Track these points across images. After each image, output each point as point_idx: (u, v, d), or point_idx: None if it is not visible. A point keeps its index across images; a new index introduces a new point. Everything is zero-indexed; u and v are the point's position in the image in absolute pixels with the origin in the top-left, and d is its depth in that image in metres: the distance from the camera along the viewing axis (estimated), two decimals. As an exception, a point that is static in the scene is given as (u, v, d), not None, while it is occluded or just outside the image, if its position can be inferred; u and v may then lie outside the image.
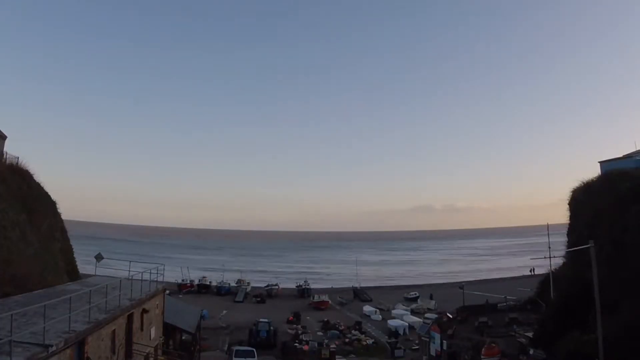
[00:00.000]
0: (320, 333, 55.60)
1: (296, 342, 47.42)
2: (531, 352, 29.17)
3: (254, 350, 39.70)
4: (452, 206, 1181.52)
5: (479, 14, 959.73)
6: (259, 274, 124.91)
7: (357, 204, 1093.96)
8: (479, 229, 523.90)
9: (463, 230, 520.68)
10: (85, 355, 14.56)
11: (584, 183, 36.36)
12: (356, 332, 54.78)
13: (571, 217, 37.55)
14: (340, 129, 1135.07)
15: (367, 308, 70.85)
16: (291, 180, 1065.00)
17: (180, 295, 75.61)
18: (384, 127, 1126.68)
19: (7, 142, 33.75)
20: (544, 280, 41.81)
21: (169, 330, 30.49)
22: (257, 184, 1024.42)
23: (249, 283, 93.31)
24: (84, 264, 38.33)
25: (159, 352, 26.89)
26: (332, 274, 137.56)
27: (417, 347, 45.92)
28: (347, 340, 51.38)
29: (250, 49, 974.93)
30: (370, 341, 51.60)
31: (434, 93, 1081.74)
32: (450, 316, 42.77)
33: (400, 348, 46.22)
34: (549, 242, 40.42)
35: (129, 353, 20.26)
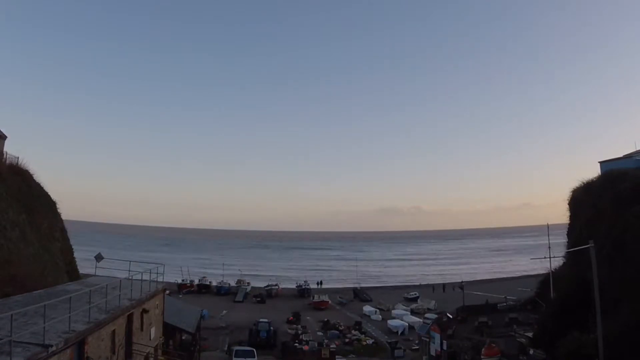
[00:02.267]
0: (320, 333, 55.59)
1: (296, 342, 47.41)
2: (531, 352, 29.18)
3: (254, 350, 39.70)
4: (418, 208, 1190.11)
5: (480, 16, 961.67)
6: (259, 273, 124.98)
7: (323, 205, 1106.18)
8: (442, 231, 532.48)
9: (430, 232, 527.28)
10: (85, 355, 14.56)
11: (584, 183, 36.38)
12: (356, 332, 54.79)
13: (571, 217, 37.58)
14: (309, 132, 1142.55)
15: (367, 308, 70.87)
16: (259, 181, 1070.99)
17: (180, 295, 75.63)
18: (354, 131, 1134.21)
19: (7, 142, 33.78)
20: (544, 280, 41.84)
21: (169, 330, 30.47)
22: (229, 185, 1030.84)
23: (249, 283, 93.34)
24: (84, 264, 38.32)
25: (159, 352, 26.89)
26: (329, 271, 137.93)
27: (417, 347, 45.95)
28: (347, 340, 51.40)
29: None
30: (370, 341, 51.60)
31: (411, 96, 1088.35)
32: (450, 316, 42.80)
33: (400, 348, 46.22)
34: (549, 242, 40.46)
35: (128, 353, 20.25)
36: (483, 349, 30.59)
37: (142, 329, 22.49)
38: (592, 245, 23.30)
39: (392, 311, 69.08)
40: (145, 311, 22.79)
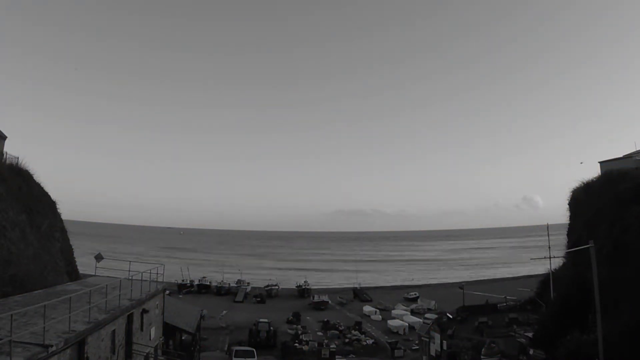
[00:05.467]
0: (320, 333, 55.56)
1: (296, 342, 47.40)
2: (531, 352, 29.14)
3: (254, 350, 39.67)
4: (381, 211, 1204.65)
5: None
6: (259, 273, 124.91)
7: (290, 205, 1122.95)
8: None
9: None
10: (85, 355, 14.55)
11: (584, 183, 36.32)
12: (356, 332, 54.75)
13: (571, 217, 37.52)
14: (279, 135, 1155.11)
15: (367, 308, 70.84)
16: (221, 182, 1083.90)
17: (180, 295, 75.61)
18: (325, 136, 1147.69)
19: (7, 142, 33.76)
20: (544, 280, 41.81)
21: (169, 330, 30.47)
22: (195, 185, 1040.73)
23: (249, 283, 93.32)
24: (84, 264, 38.29)
25: (159, 352, 26.88)
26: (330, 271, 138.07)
27: (417, 347, 45.90)
28: (347, 340, 51.36)
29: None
30: (370, 341, 51.57)
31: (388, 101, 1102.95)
32: (450, 316, 42.75)
33: (400, 348, 46.19)
34: (549, 242, 40.41)
35: (128, 353, 20.24)
36: (483, 349, 30.57)
37: (142, 329, 22.47)
38: (592, 245, 23.27)
39: (392, 311, 69.05)
40: (145, 311, 22.78)
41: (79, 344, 14.21)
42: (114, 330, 17.95)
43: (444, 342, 36.38)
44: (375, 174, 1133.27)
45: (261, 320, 51.34)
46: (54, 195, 35.20)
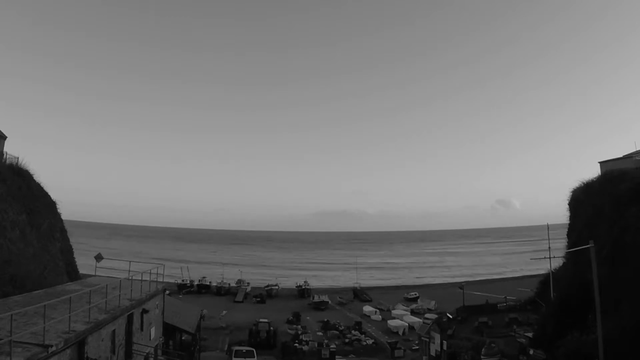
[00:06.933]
0: (320, 333, 55.55)
1: (296, 342, 47.38)
2: (531, 352, 29.15)
3: (254, 350, 39.67)
4: (364, 212, 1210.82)
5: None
6: (259, 273, 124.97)
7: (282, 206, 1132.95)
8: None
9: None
10: (85, 355, 14.55)
11: (584, 183, 36.33)
12: (356, 332, 54.75)
13: (571, 217, 37.54)
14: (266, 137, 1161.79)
15: (367, 308, 70.82)
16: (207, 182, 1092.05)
17: (180, 295, 75.59)
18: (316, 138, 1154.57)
19: (7, 142, 33.81)
20: (544, 281, 41.86)
21: (169, 330, 30.45)
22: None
23: (248, 283, 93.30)
24: (84, 264, 38.29)
25: (159, 352, 26.87)
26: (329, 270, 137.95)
27: (417, 347, 45.90)
28: (347, 340, 51.36)
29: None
30: (370, 341, 51.57)
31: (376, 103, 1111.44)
32: (450, 316, 42.77)
33: (400, 348, 46.16)
34: (549, 242, 40.46)
35: (129, 353, 20.24)
36: (483, 349, 30.58)
37: (142, 329, 22.47)
38: (592, 245, 23.26)
39: (392, 311, 69.04)
40: (145, 311, 22.78)
41: (79, 344, 14.21)
42: (114, 330, 17.95)
43: (444, 342, 36.37)
44: (370, 175, 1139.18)
45: (261, 320, 51.33)
46: (54, 195, 35.28)
